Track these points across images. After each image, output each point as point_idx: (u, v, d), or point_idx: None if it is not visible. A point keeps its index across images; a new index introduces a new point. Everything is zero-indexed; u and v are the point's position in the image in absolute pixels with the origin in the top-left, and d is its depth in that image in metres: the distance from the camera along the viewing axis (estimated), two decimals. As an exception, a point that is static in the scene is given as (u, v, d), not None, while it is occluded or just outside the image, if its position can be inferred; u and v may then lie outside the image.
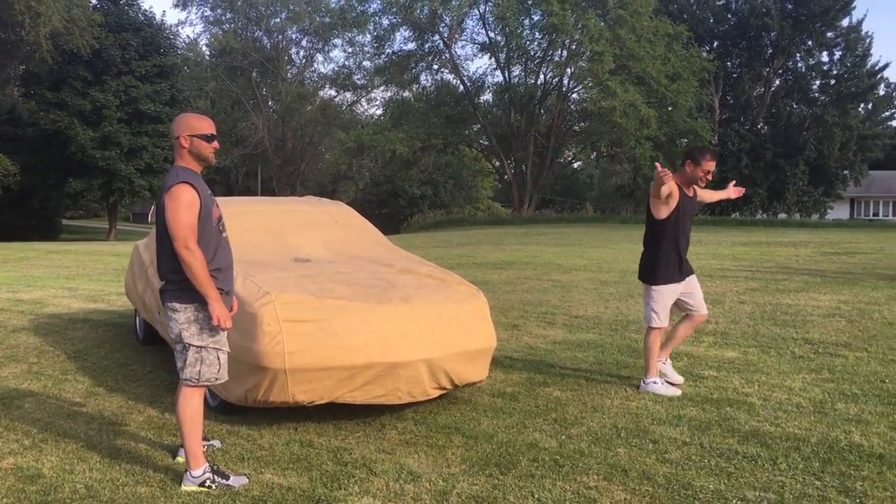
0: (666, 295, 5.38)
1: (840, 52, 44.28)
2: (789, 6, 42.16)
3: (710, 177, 5.29)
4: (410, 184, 51.03)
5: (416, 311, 4.74)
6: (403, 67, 40.21)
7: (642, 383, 5.41)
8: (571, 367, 6.12)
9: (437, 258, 15.28)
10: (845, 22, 43.41)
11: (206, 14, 53.30)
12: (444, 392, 4.93)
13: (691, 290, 5.54)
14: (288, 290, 4.66)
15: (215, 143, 3.79)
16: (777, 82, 46.42)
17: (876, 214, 58.23)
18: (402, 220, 45.23)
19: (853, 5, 42.77)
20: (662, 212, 5.30)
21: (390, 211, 51.75)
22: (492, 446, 4.31)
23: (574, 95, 40.85)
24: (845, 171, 45.04)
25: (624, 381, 5.67)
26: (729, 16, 44.61)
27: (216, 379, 3.81)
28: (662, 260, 5.31)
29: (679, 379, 5.55)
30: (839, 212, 52.18)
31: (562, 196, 49.53)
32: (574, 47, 36.55)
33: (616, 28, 34.46)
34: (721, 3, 44.96)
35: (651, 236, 5.41)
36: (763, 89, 45.52)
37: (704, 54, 41.07)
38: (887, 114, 48.31)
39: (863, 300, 8.98)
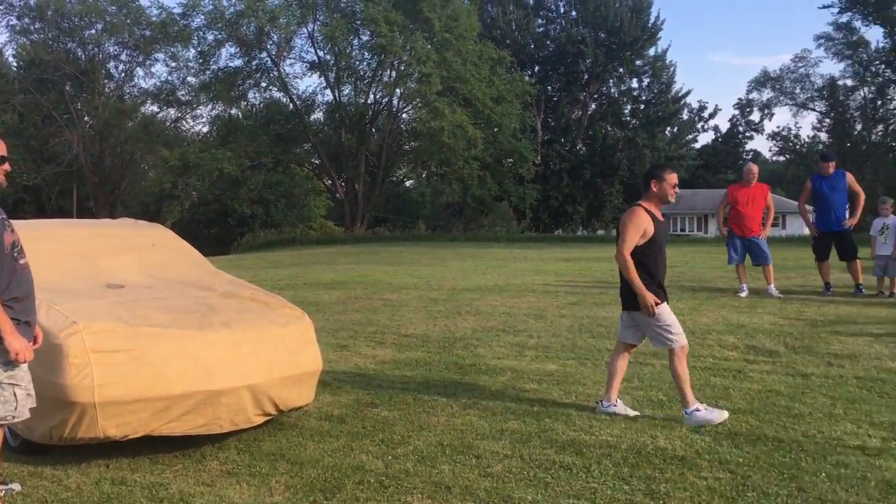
0: (666, 311, 5.19)
1: (648, 80, 47.73)
2: (602, 35, 44.92)
3: (677, 189, 5.30)
4: (240, 203, 49.68)
5: (237, 336, 4.62)
6: (230, 84, 39.19)
7: (685, 414, 5.05)
8: (400, 387, 6.17)
9: (266, 279, 14.95)
10: (652, 51, 46.86)
11: (12, 23, 49.63)
12: (269, 418, 4.83)
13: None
14: (98, 318, 4.41)
15: (6, 166, 3.54)
16: (593, 106, 49.30)
17: (683, 230, 62.85)
18: (232, 241, 43.93)
19: (658, 36, 46.28)
20: (639, 243, 5.12)
21: (219, 231, 50.10)
22: (317, 471, 4.26)
23: (404, 115, 41.47)
24: (655, 190, 48.35)
25: (451, 398, 5.78)
26: (548, 42, 46.93)
27: (13, 417, 3.54)
28: (647, 284, 5.10)
29: (634, 413, 5.29)
30: (651, 228, 55.76)
31: (395, 214, 49.94)
32: (403, 68, 37.11)
33: (443, 50, 35.33)
34: (541, 30, 47.23)
35: (636, 264, 5.14)
36: (581, 112, 48.16)
37: (527, 78, 42.93)
38: (690, 136, 52.48)
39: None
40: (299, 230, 46.84)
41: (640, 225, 5.10)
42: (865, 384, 5.96)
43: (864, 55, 45.67)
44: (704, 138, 71.40)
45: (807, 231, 11.08)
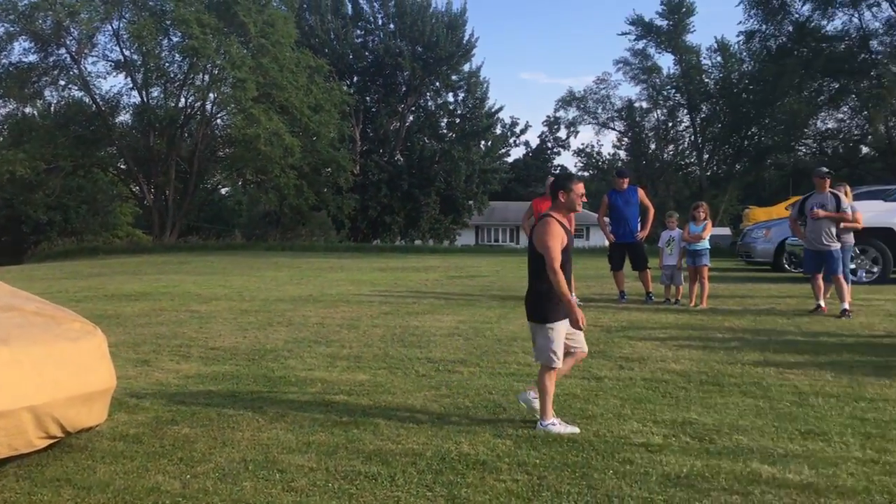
0: (561, 332, 5.21)
1: (463, 94, 49.04)
2: (419, 49, 45.69)
3: (585, 198, 5.37)
4: (35, 209, 46.00)
5: (17, 353, 4.26)
6: (23, 81, 36.19)
7: (539, 425, 5.16)
8: (204, 402, 5.94)
9: (60, 291, 13.94)
10: (467, 67, 48.24)
11: None
12: (54, 441, 4.49)
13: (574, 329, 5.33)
14: None
15: None
16: (411, 118, 49.96)
17: (496, 240, 65.16)
18: (26, 249, 40.63)
19: (473, 53, 47.70)
20: (556, 251, 5.09)
21: (11, 239, 46.18)
22: (106, 496, 4.01)
23: (218, 121, 40.13)
24: (470, 202, 49.78)
25: (257, 412, 5.64)
26: (367, 53, 47.11)
27: None
28: (554, 298, 5.09)
29: (575, 429, 5.20)
30: (466, 238, 57.50)
31: (209, 223, 48.18)
32: (217, 72, 35.92)
33: (259, 56, 34.55)
34: (359, 41, 47.33)
35: (539, 275, 5.16)
36: (399, 124, 48.67)
37: (345, 88, 42.87)
38: (503, 150, 54.47)
39: (478, 319, 9.96)
40: (103, 238, 44.09)
41: (559, 235, 5.09)
42: (651, 385, 6.41)
43: (658, 80, 49.45)
44: (516, 153, 74.38)
45: (607, 242, 11.81)
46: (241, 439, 4.99)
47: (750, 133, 44.43)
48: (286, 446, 4.84)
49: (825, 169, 10.25)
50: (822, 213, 9.78)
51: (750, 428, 5.18)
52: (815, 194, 10.08)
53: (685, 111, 49.42)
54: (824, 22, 31.30)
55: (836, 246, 9.84)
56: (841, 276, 9.80)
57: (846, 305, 9.66)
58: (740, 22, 70.92)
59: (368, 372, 7.01)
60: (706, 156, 49.52)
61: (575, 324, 5.09)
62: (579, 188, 5.30)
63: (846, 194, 10.40)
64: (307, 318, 10.28)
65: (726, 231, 32.12)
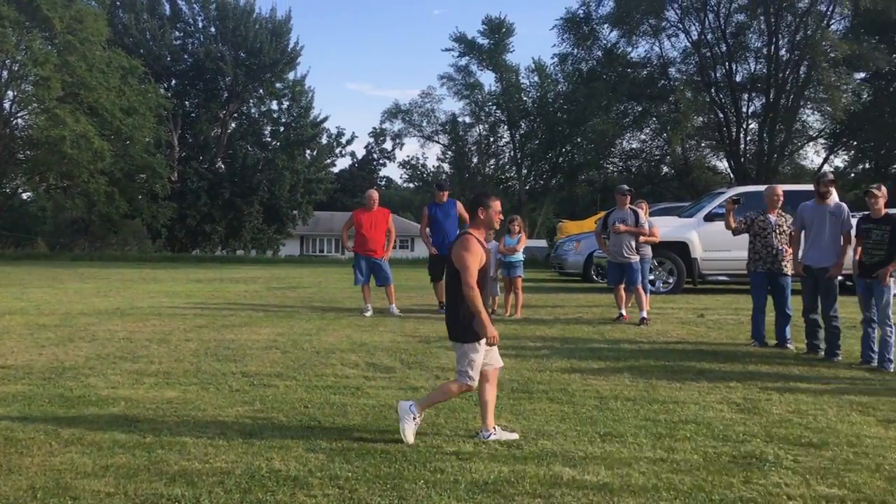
0: (482, 351, 5.18)
1: (287, 103, 48.34)
2: (242, 55, 44.59)
3: (501, 216, 5.39)
4: None
5: None
6: None
7: (482, 433, 5.21)
8: (-11, 427, 5.45)
9: None
10: (291, 75, 47.60)
11: None
12: None
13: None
14: None
15: None
16: (233, 125, 48.65)
17: (321, 251, 64.65)
18: None
19: (298, 61, 47.16)
20: (473, 268, 5.08)
21: None
22: None
23: (18, 121, 37.17)
24: (295, 212, 49.05)
25: (51, 434, 5.25)
26: (186, 56, 45.39)
27: None
28: (475, 314, 5.06)
29: (515, 435, 5.28)
30: (291, 248, 56.61)
31: (8, 230, 44.42)
32: (17, 69, 33.31)
33: (65, 54, 32.38)
34: (178, 43, 45.52)
35: (460, 294, 5.10)
36: (221, 130, 47.23)
37: (162, 91, 41.05)
38: (329, 161, 54.14)
39: (297, 331, 9.82)
40: None
41: (477, 252, 5.10)
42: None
43: (480, 96, 51.00)
44: (342, 163, 74.22)
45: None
46: (29, 465, 4.62)
47: (564, 150, 46.79)
48: (81, 471, 4.53)
49: (626, 187, 10.98)
50: (622, 227, 10.45)
51: (555, 432, 5.42)
52: (616, 210, 10.77)
53: (505, 127, 51.23)
54: (629, 49, 33.63)
55: (636, 258, 10.55)
56: (640, 287, 10.51)
57: (644, 314, 10.37)
58: (554, 45, 74.88)
59: (178, 388, 6.72)
60: (525, 171, 51.56)
61: (489, 340, 5.12)
62: (497, 205, 5.35)
63: (644, 210, 11.18)
64: (113, 332, 9.71)
65: (542, 243, 33.57)
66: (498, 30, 49.56)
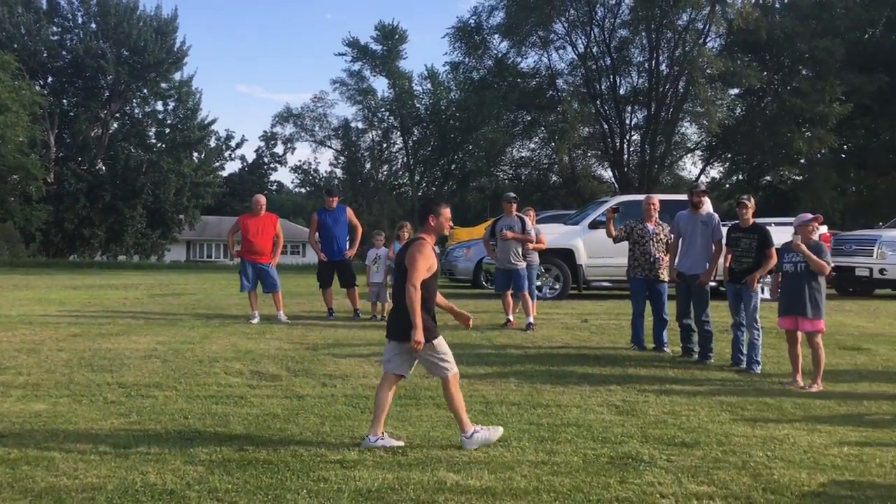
0: (442, 342, 5.35)
1: (174, 103, 46.84)
2: (125, 53, 42.93)
3: (451, 222, 5.49)
4: None
5: None
6: None
7: (464, 438, 5.20)
8: None
9: None
10: (178, 76, 46.16)
11: None
12: None
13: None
14: None
15: None
16: (115, 125, 46.74)
17: (210, 256, 62.93)
18: None
19: (185, 61, 45.80)
20: (425, 276, 5.19)
21: None
22: None
23: None
24: (181, 216, 47.53)
25: None
26: (64, 52, 43.36)
27: None
28: (428, 315, 5.24)
29: (400, 442, 5.28)
30: (177, 254, 54.82)
31: None
32: None
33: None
34: (55, 38, 43.43)
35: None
36: (101, 131, 45.30)
37: (38, 88, 39.06)
38: (217, 164, 52.77)
39: (179, 340, 9.50)
40: None
41: (430, 257, 5.21)
42: (352, 402, 6.53)
43: (373, 102, 50.86)
44: (232, 166, 72.67)
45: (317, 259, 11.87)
46: None
47: (456, 157, 47.28)
48: (-64, 492, 4.24)
49: (512, 194, 11.18)
50: (510, 234, 10.64)
51: (440, 438, 5.46)
52: (504, 217, 10.95)
53: (398, 133, 51.27)
54: (519, 59, 34.34)
55: (523, 265, 10.75)
56: (527, 293, 10.72)
57: (531, 319, 10.58)
58: (446, 53, 75.54)
59: (48, 401, 6.38)
60: (417, 177, 51.76)
61: (414, 344, 5.14)
62: (447, 212, 5.44)
63: (531, 218, 11.42)
64: (-22, 343, 9.14)
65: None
66: (391, 36, 49.58)
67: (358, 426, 5.74)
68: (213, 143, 50.93)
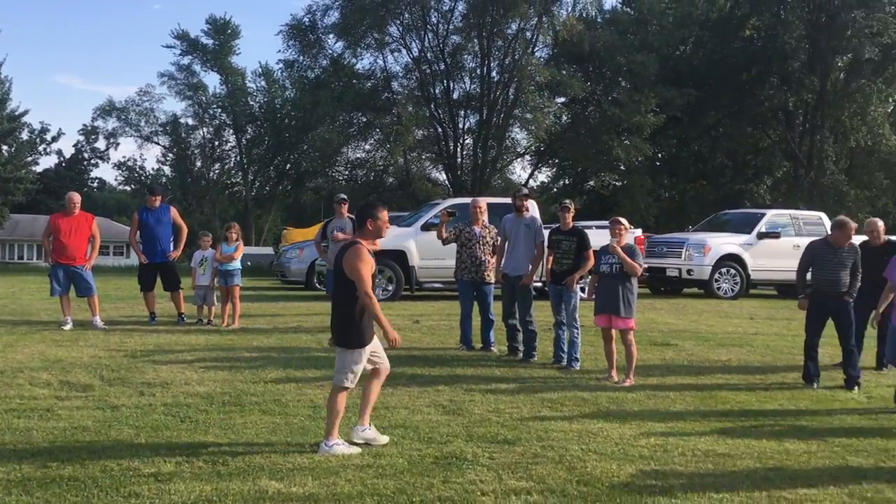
0: (366, 356, 5.35)
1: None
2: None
3: (388, 225, 5.60)
4: None
5: None
6: None
7: (324, 446, 5.19)
8: None
9: None
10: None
11: None
12: None
13: (376, 346, 5.49)
14: None
15: None
16: None
17: (22, 258, 58.44)
18: None
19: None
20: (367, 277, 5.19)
21: None
22: None
23: None
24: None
25: None
26: None
27: None
28: (363, 321, 5.24)
29: (385, 439, 5.45)
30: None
31: None
32: None
33: None
34: None
35: (349, 301, 5.22)
36: None
37: None
38: (30, 158, 48.98)
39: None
40: None
41: (370, 261, 5.24)
42: (172, 410, 6.25)
43: (204, 98, 49.02)
44: (47, 161, 67.67)
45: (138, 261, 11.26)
46: None
47: (291, 157, 46.44)
48: None
49: (343, 195, 11.14)
50: (341, 235, 10.54)
51: (264, 445, 5.33)
52: (336, 219, 10.87)
53: (231, 131, 49.69)
54: (354, 60, 34.21)
55: (356, 267, 10.69)
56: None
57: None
58: (280, 50, 74.08)
59: None
60: (251, 176, 50.40)
61: (392, 342, 5.27)
62: (384, 215, 5.48)
63: (364, 220, 11.39)
64: None
65: (269, 251, 33.05)
66: (223, 31, 48.04)
67: (176, 436, 5.52)
68: (25, 136, 47.23)
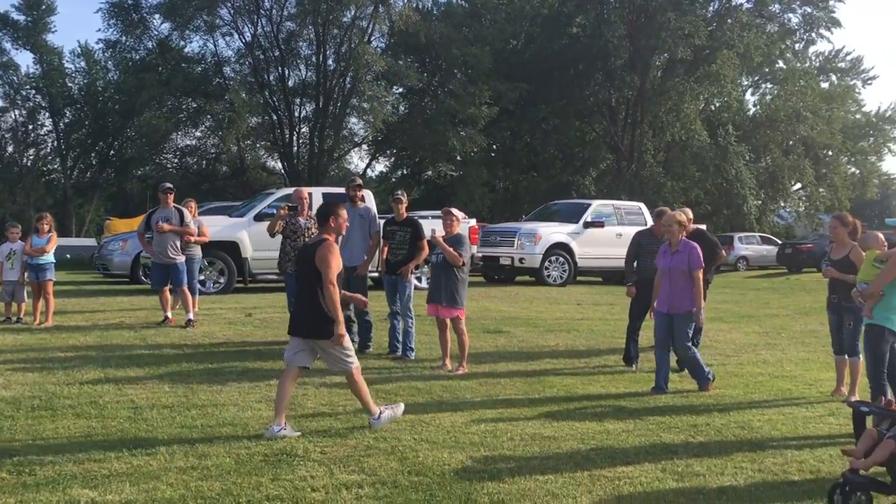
0: (347, 338, 5.61)
1: None
2: None
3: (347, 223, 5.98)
4: None
5: None
6: None
7: (372, 420, 5.65)
8: None
9: None
10: None
11: None
12: None
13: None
14: None
15: None
16: None
17: None
18: None
19: None
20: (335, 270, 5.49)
21: None
22: None
23: None
24: None
25: None
26: None
27: None
28: (334, 312, 5.45)
29: (298, 433, 5.45)
30: None
31: None
32: None
33: None
34: None
35: (320, 294, 5.46)
36: None
37: None
38: None
39: None
40: None
41: (339, 256, 5.58)
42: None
43: (15, 78, 45.32)
44: None
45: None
46: None
47: (115, 143, 43.83)
48: None
49: (168, 184, 10.60)
50: (166, 227, 10.06)
51: (77, 452, 4.98)
52: (160, 209, 10.34)
53: (47, 114, 46.24)
54: (183, 43, 32.75)
55: (182, 259, 10.24)
56: (186, 288, 10.24)
57: (191, 316, 10.11)
58: (99, 29, 69.67)
59: None
60: (70, 163, 47.16)
61: (337, 340, 5.48)
62: (344, 213, 5.82)
63: (192, 210, 10.93)
64: None
65: (91, 242, 31.04)
66: (36, 6, 44.52)
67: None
68: None
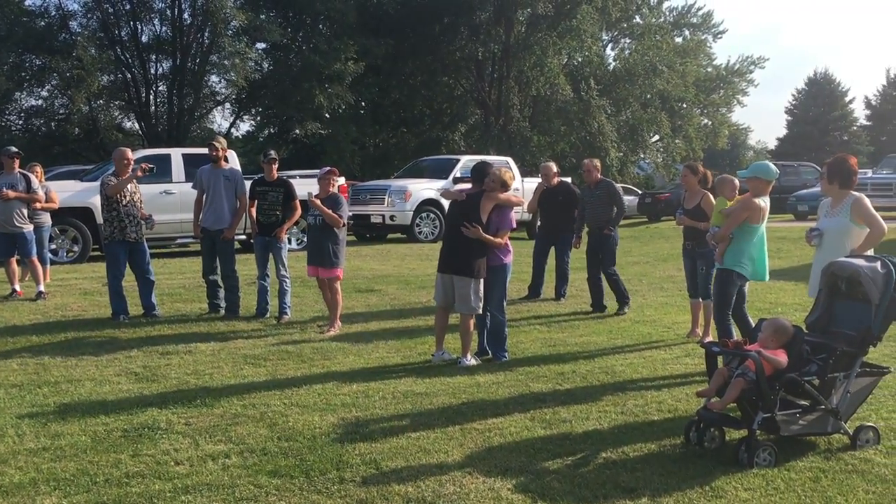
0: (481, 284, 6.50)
1: None
2: None
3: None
4: None
5: None
6: None
7: (463, 361, 6.41)
8: None
9: None
10: None
11: None
12: None
13: None
14: None
15: None
16: None
17: None
18: None
19: None
20: None
21: None
22: None
23: None
24: None
25: None
26: None
27: None
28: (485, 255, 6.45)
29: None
30: None
31: None
32: None
33: None
34: None
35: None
36: None
37: None
38: None
39: None
40: None
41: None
42: None
43: None
44: None
45: None
46: None
47: (-50, 105, 40.38)
48: None
49: (13, 149, 9.85)
50: (11, 194, 9.36)
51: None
52: (4, 175, 9.59)
53: None
54: (22, -5, 30.25)
55: (29, 227, 9.57)
56: (35, 259, 9.60)
57: (41, 288, 9.50)
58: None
59: None
60: None
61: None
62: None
63: (38, 175, 10.24)
64: None
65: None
66: None
67: None
68: None
